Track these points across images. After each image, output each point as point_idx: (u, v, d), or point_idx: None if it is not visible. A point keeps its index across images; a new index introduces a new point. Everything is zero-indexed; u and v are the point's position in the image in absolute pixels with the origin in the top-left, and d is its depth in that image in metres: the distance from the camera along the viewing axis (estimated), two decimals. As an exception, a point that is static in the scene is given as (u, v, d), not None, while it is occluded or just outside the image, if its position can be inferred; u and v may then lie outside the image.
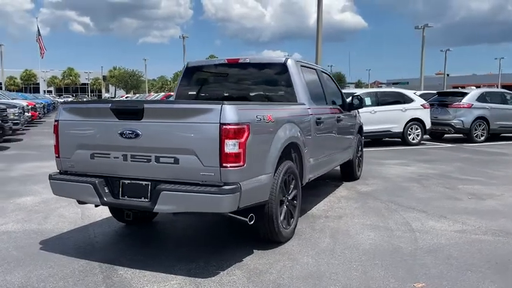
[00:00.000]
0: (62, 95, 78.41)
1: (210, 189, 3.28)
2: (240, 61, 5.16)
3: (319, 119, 5.05)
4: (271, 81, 5.21)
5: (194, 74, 5.50)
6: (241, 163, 3.34)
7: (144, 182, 3.55)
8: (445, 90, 23.07)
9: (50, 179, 3.93)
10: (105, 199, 3.65)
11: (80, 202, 3.96)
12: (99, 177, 3.71)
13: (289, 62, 4.90)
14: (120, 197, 3.67)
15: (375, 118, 12.27)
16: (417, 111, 12.92)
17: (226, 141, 3.25)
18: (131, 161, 3.57)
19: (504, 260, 3.76)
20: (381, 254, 3.89)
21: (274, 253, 3.93)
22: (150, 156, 3.50)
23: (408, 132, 12.80)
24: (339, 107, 6.14)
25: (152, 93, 50.58)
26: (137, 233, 4.61)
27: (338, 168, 7.34)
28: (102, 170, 3.72)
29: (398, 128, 12.66)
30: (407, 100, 13.07)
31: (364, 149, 8.07)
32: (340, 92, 6.66)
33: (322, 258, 3.81)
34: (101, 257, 3.83)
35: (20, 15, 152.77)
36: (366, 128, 11.97)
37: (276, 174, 3.95)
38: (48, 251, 3.98)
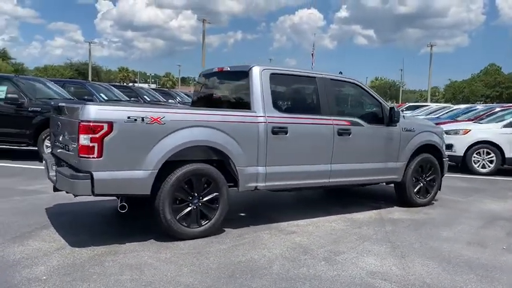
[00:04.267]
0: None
1: (68, 173, 4.02)
2: (224, 69, 5.48)
3: (281, 128, 4.86)
4: (239, 89, 5.34)
5: (203, 80, 6.12)
6: (96, 155, 3.91)
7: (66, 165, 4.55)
8: None
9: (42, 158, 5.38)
10: (50, 174, 4.81)
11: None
12: (55, 158, 4.90)
13: (253, 71, 4.92)
14: (60, 175, 4.77)
15: None
16: None
17: (80, 135, 3.90)
18: (61, 147, 4.63)
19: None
20: (231, 268, 3.73)
21: (158, 246, 4.23)
22: (63, 144, 4.48)
23: None
24: (349, 119, 5.45)
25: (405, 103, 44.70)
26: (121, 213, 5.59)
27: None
28: (56, 153, 4.90)
29: None
30: None
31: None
32: (378, 104, 5.87)
33: (179, 256, 3.97)
34: (62, 220, 4.97)
35: (312, 31, 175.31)
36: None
37: (172, 173, 4.28)
38: (43, 208, 5.37)
